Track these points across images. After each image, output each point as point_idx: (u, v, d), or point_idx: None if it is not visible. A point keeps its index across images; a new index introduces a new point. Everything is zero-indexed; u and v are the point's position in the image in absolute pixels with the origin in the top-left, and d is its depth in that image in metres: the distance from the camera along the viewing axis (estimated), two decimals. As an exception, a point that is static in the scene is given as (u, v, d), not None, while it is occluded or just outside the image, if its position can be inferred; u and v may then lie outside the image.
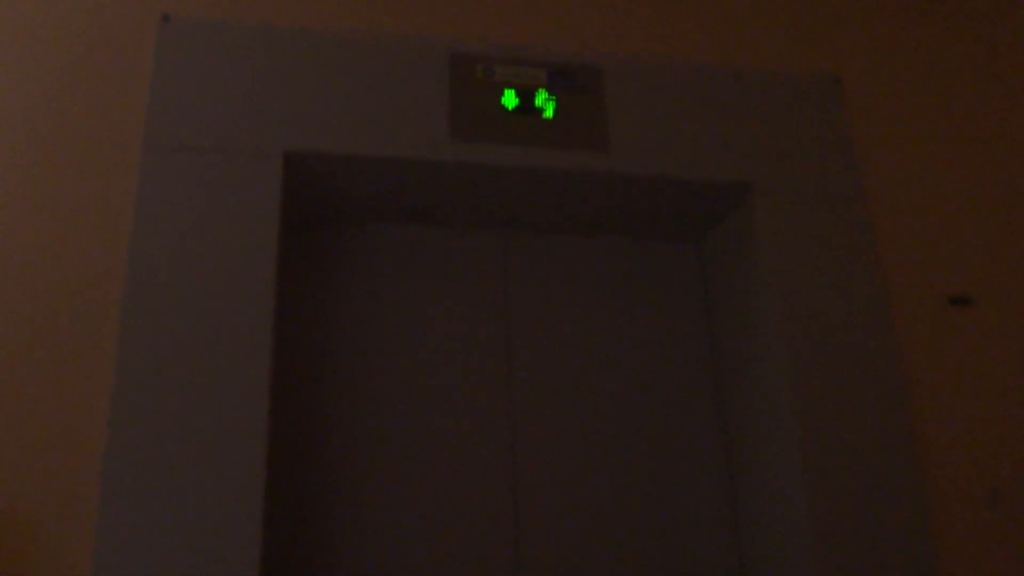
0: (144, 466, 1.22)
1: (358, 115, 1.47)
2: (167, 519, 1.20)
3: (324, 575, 1.45)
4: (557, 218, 1.70)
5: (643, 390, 1.68)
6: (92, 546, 1.18)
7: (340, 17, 1.56)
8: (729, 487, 1.65)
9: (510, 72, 1.57)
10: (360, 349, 1.59)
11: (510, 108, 1.54)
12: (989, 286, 1.67)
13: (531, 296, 1.70)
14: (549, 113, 1.56)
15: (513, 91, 1.56)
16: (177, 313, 1.30)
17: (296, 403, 1.53)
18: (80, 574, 1.17)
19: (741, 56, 1.72)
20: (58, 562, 1.17)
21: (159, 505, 1.20)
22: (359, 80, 1.50)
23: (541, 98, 1.57)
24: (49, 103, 1.39)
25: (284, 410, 1.52)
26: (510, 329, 1.66)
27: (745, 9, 1.77)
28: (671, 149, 1.58)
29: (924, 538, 1.43)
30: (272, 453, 1.49)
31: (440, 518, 1.52)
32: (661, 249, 1.80)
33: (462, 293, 1.67)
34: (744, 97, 1.66)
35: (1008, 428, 1.58)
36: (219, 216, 1.37)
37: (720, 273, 1.72)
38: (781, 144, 1.64)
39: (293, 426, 1.52)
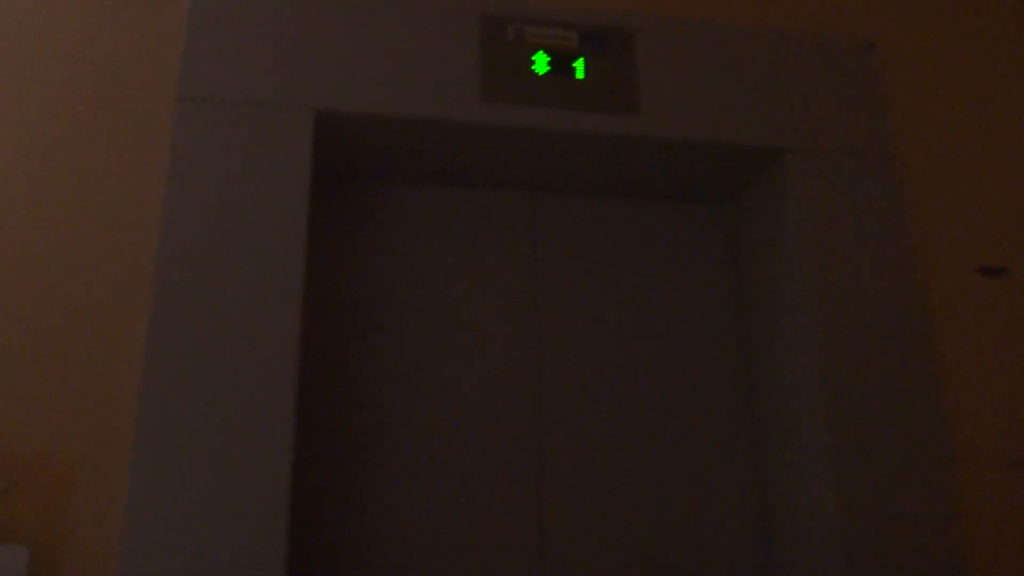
0: (176, 412, 1.24)
1: (389, 75, 1.48)
2: (197, 466, 1.22)
3: (347, 525, 1.47)
4: (586, 180, 1.70)
5: (670, 353, 1.68)
6: (125, 488, 1.20)
7: (372, -23, 1.56)
8: (754, 455, 1.65)
9: (541, 33, 1.57)
10: (387, 307, 1.60)
11: (540, 70, 1.54)
12: (1022, 254, 1.65)
13: (559, 258, 1.70)
14: (580, 74, 1.55)
15: (544, 52, 1.55)
16: (210, 264, 1.32)
17: (323, 355, 1.55)
18: (113, 515, 1.20)
19: (774, 19, 1.71)
20: (93, 503, 1.20)
21: (190, 451, 1.23)
22: (390, 40, 1.50)
23: (572, 60, 1.56)
24: (85, 55, 1.41)
25: (312, 361, 1.54)
26: (537, 290, 1.67)
27: (779, -29, 1.75)
28: (702, 112, 1.57)
29: (952, 511, 1.43)
30: (299, 402, 1.51)
31: (464, 477, 1.53)
32: (691, 212, 1.79)
33: (490, 254, 1.67)
34: (777, 61, 1.64)
35: (1039, 396, 1.56)
36: (251, 169, 1.38)
37: (750, 237, 1.72)
38: (814, 108, 1.62)
39: (320, 377, 1.54)
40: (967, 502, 1.47)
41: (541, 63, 1.55)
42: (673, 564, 1.56)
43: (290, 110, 1.42)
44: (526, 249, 1.69)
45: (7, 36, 1.40)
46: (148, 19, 1.46)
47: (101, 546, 1.18)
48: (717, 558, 1.58)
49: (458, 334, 1.61)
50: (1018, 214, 1.68)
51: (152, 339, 1.27)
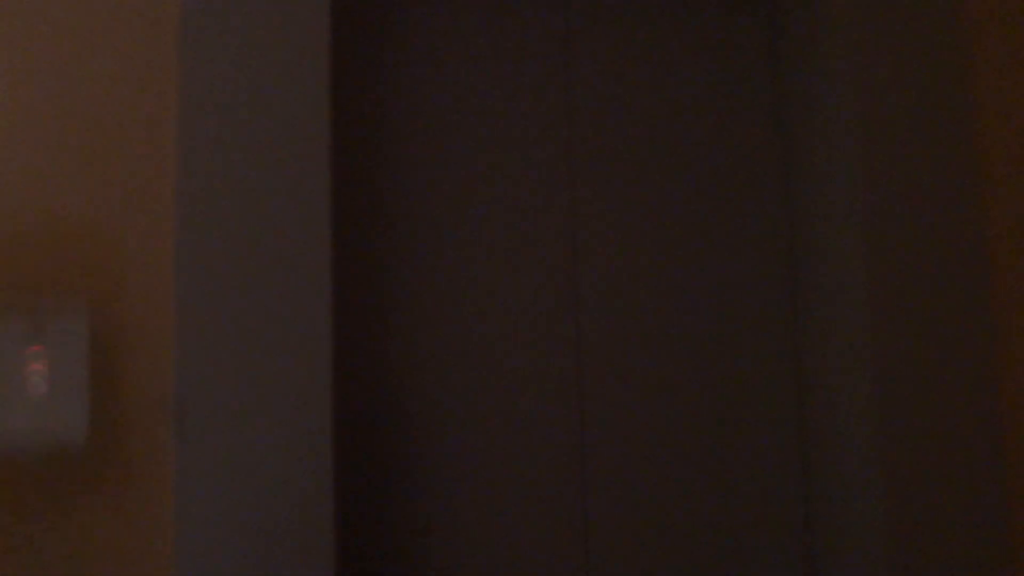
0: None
1: None
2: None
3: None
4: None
5: (708, 189, 1.58)
6: (173, 258, 1.20)
7: None
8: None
9: None
10: (415, 126, 1.47)
11: None
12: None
13: (593, 75, 1.56)
14: None
15: None
16: (235, 101, 1.21)
17: (352, 179, 1.43)
18: (164, 282, 1.21)
19: None
20: (141, 273, 1.20)
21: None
22: None
23: None
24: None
25: (342, 195, 1.42)
26: (571, 114, 1.54)
27: None
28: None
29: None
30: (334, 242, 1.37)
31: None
32: (729, 24, 1.64)
33: (521, 64, 1.53)
34: None
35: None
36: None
37: (791, 53, 1.61)
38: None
39: (354, 227, 1.42)
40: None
41: None
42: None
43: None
44: (559, 61, 1.55)
45: None
46: None
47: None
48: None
49: (490, 147, 1.49)
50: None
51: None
